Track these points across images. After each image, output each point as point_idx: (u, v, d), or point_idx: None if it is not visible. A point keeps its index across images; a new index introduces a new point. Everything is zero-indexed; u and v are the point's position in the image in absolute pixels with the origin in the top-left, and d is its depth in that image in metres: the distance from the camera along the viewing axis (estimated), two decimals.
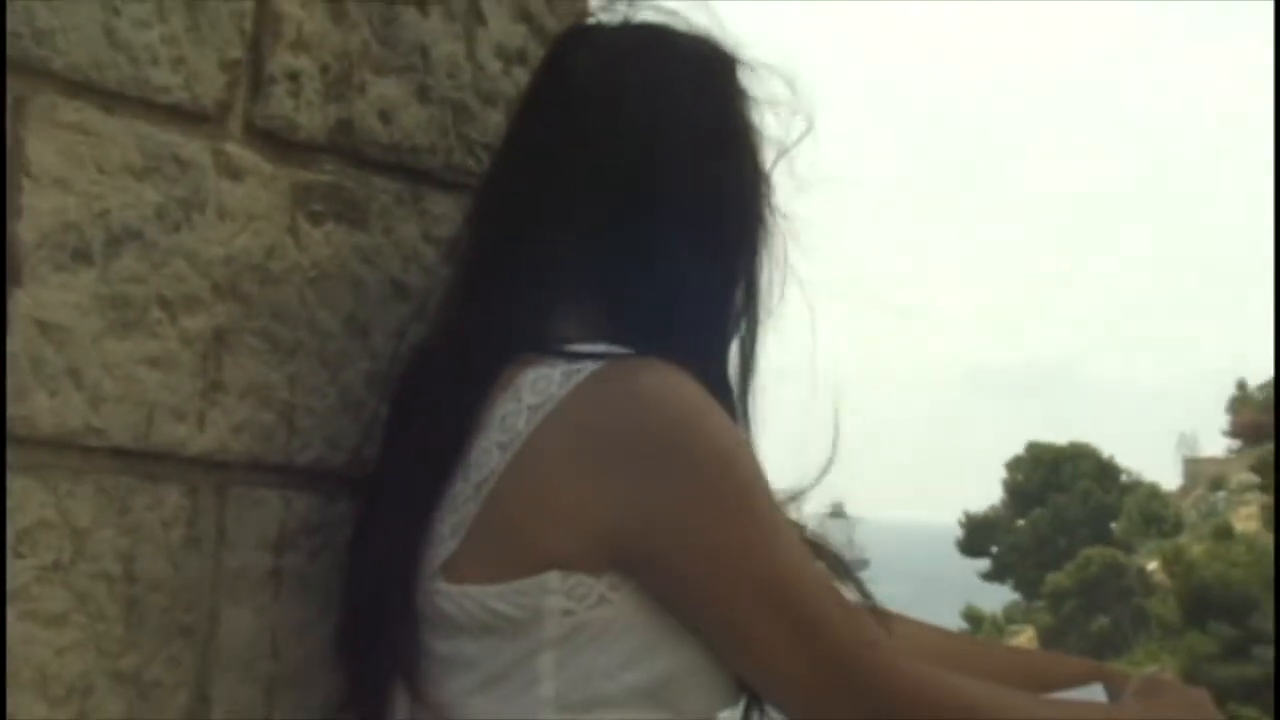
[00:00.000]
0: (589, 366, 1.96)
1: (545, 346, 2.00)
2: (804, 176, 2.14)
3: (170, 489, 1.98)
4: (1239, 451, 70.46)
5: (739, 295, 2.10)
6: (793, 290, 2.11)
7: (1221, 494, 67.38)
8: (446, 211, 2.25)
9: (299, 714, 2.08)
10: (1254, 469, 61.20)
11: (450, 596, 1.95)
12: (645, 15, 2.15)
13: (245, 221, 2.03)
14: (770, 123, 2.14)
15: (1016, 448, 70.95)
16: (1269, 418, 64.83)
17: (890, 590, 2.22)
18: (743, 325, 2.10)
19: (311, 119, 2.10)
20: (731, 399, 2.06)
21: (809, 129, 2.14)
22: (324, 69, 2.11)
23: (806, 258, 2.13)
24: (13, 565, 1.82)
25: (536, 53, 2.29)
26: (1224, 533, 56.55)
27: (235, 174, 2.02)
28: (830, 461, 2.10)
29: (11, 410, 1.82)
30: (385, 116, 2.19)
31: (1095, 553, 59.44)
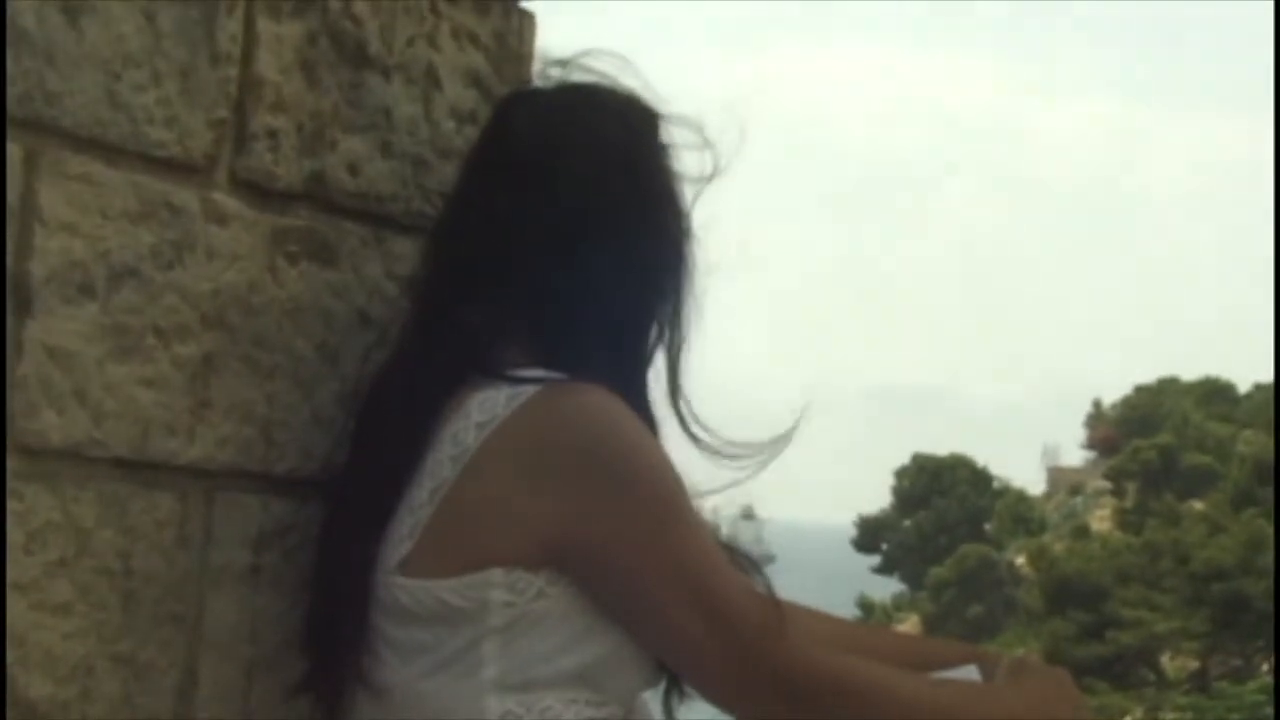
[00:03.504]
0: (529, 389, 1.96)
1: (491, 372, 2.00)
2: (715, 213, 2.15)
3: (163, 495, 1.97)
4: (1095, 462, 70.75)
5: (663, 324, 2.10)
6: (710, 316, 2.12)
7: (1079, 499, 67.63)
8: (406, 252, 2.24)
9: (274, 692, 2.07)
10: (1107, 476, 61.53)
11: (407, 589, 1.95)
12: (579, 77, 2.16)
13: (230, 260, 2.03)
14: (690, 166, 2.15)
15: (903, 458, 71.08)
16: (1119, 432, 65.21)
17: (793, 582, 2.23)
18: (669, 350, 2.10)
19: (288, 171, 2.10)
20: (650, 416, 2.06)
21: (715, 173, 2.15)
22: (299, 127, 2.11)
23: (723, 287, 2.13)
24: (24, 561, 1.81)
25: (486, 113, 2.29)
26: (1082, 532, 56.80)
27: (221, 219, 2.02)
28: (751, 470, 2.10)
29: (23, 425, 1.81)
30: (353, 169, 2.18)
31: (971, 549, 59.58)
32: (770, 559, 2.09)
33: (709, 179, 2.14)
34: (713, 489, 2.10)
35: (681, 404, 2.08)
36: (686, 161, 2.14)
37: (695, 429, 2.07)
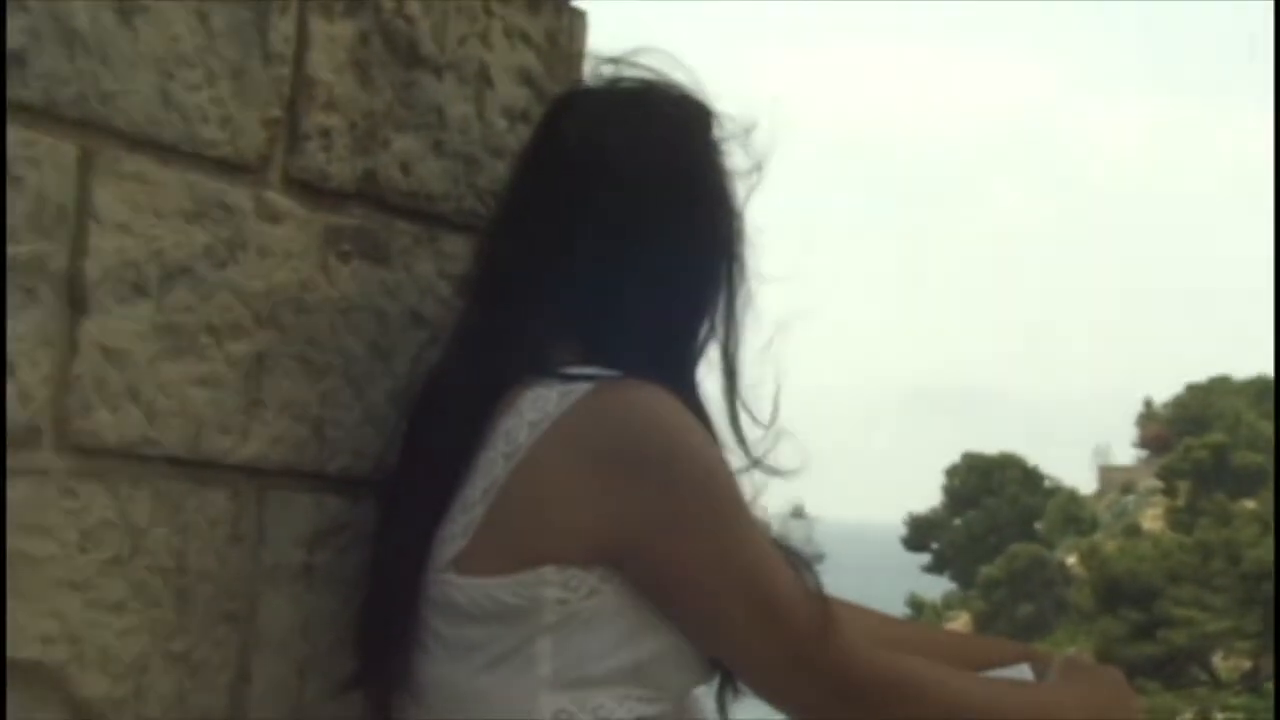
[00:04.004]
0: (582, 387, 1.95)
1: (543, 370, 1.99)
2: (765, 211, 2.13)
3: (217, 493, 1.96)
4: (1146, 460, 70.40)
5: (714, 322, 2.09)
6: (761, 318, 2.10)
7: (1131, 497, 67.32)
8: (459, 251, 2.24)
9: (327, 691, 2.07)
10: (1158, 475, 61.18)
11: (460, 587, 1.94)
12: (630, 75, 2.14)
13: (283, 259, 2.02)
14: (740, 164, 2.13)
15: (954, 457, 70.87)
16: (1171, 431, 64.88)
17: (843, 580, 2.21)
18: (724, 348, 2.08)
19: (341, 170, 2.09)
20: (703, 412, 2.05)
21: (760, 173, 2.13)
22: (352, 126, 2.10)
23: (772, 290, 2.12)
24: (79, 559, 1.81)
25: (538, 111, 2.28)
26: (1133, 531, 56.53)
27: (274, 218, 2.01)
28: (793, 470, 2.09)
29: (78, 424, 1.81)
30: (405, 168, 2.18)
31: (1021, 549, 59.34)
32: (820, 558, 2.07)
33: (758, 177, 2.13)
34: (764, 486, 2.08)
35: (738, 403, 2.07)
36: (737, 159, 2.13)
37: (745, 429, 2.05)
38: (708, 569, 1.93)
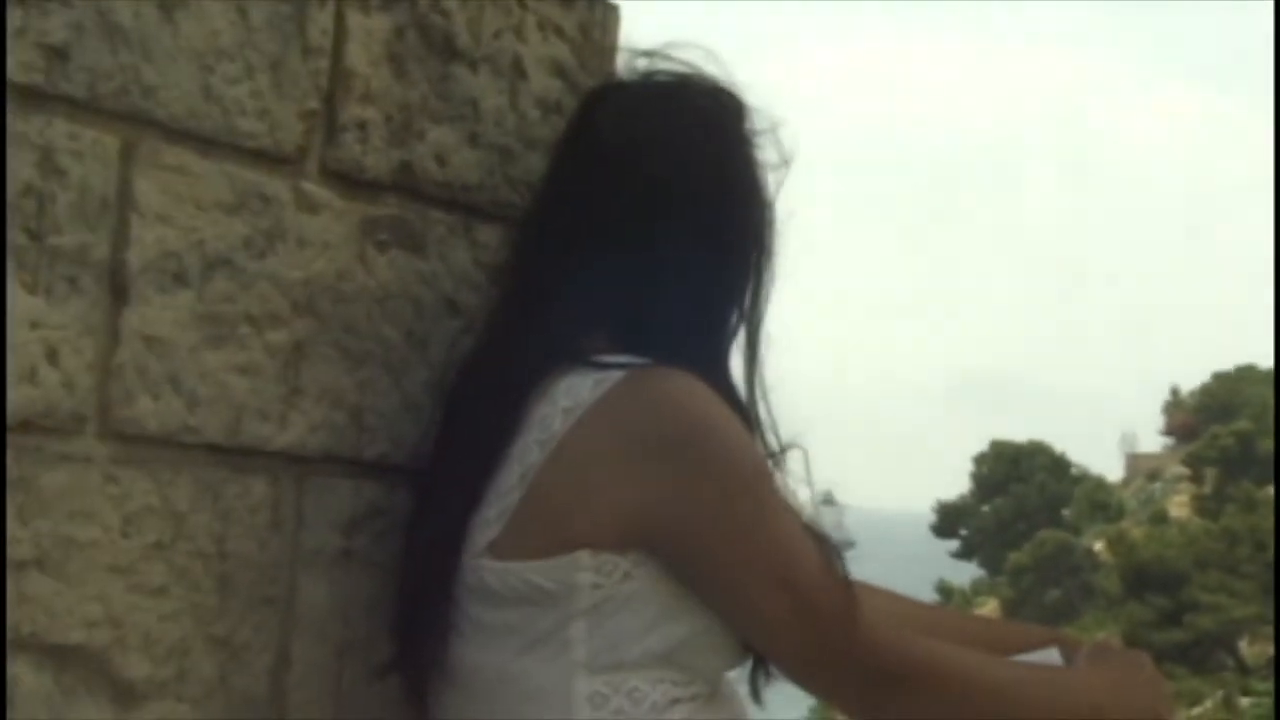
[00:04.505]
0: (615, 375, 1.95)
1: (577, 358, 1.99)
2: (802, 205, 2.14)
3: (256, 479, 1.97)
4: (1173, 448, 70.18)
5: (742, 310, 2.09)
6: (797, 309, 2.10)
7: (1158, 485, 67.13)
8: (493, 240, 2.24)
9: (365, 674, 2.07)
10: (1185, 463, 61.00)
11: (495, 572, 1.95)
12: (664, 68, 2.15)
13: (320, 249, 2.03)
14: (772, 155, 2.13)
15: (982, 445, 70.70)
16: (1197, 419, 64.65)
17: (873, 567, 2.21)
18: (748, 335, 2.09)
19: (377, 161, 2.10)
20: (736, 398, 2.05)
21: (791, 163, 2.13)
22: (388, 119, 2.11)
23: (809, 280, 2.12)
24: (121, 544, 1.82)
25: (570, 103, 2.28)
26: (1160, 518, 56.37)
27: (312, 208, 2.02)
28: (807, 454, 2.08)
29: (120, 412, 1.82)
30: (440, 159, 2.18)
31: (1049, 535, 59.21)
32: (850, 544, 2.07)
33: (787, 168, 2.13)
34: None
35: (757, 389, 2.07)
36: (769, 151, 2.13)
37: (764, 415, 2.05)
38: (738, 553, 1.93)
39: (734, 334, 2.09)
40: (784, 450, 2.05)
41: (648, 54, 2.16)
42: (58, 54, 1.74)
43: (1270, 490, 49.64)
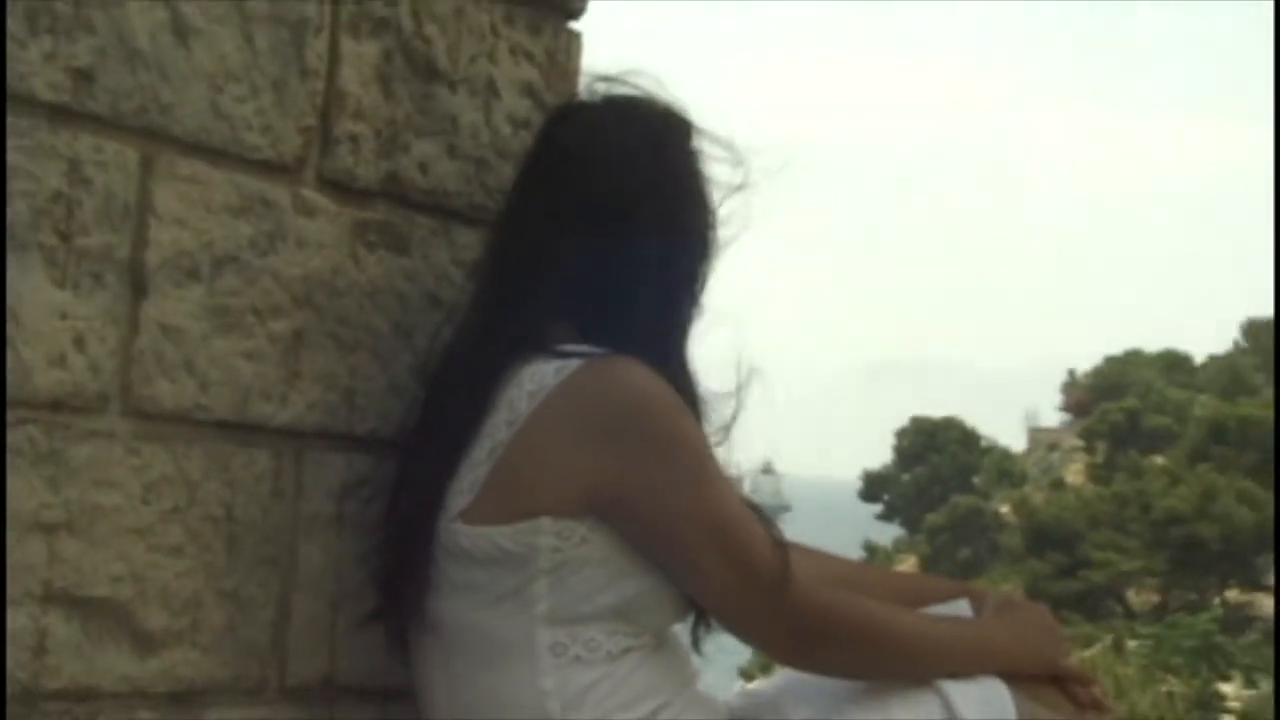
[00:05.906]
0: (575, 362, 1.96)
1: (542, 347, 2.00)
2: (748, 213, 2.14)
3: (260, 452, 1.98)
4: (1069, 423, 70.44)
5: (693, 303, 2.10)
6: (741, 297, 2.10)
7: (1056, 455, 67.34)
8: (470, 241, 2.24)
9: (355, 623, 2.08)
10: (1080, 436, 61.28)
11: (468, 535, 1.95)
12: (620, 90, 2.15)
13: (317, 249, 2.03)
14: (720, 173, 2.14)
15: (903, 421, 70.82)
16: (1091, 397, 64.96)
17: (806, 528, 2.23)
18: (689, 323, 2.09)
19: (367, 171, 2.10)
20: (693, 385, 2.05)
21: (744, 184, 2.14)
22: (377, 133, 2.11)
23: (754, 271, 2.12)
24: (141, 510, 1.83)
25: (538, 120, 2.28)
26: (1058, 485, 56.57)
27: (309, 212, 2.02)
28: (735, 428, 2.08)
29: (140, 392, 1.82)
30: (424, 169, 2.18)
31: (961, 500, 59.36)
32: (786, 508, 2.09)
33: (738, 187, 2.13)
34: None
35: (690, 370, 2.07)
36: (716, 168, 2.14)
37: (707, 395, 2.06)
38: (682, 522, 1.95)
39: (684, 324, 2.09)
40: (728, 426, 2.05)
41: (606, 79, 2.16)
42: (83, 76, 1.74)
43: (1154, 460, 49.96)
